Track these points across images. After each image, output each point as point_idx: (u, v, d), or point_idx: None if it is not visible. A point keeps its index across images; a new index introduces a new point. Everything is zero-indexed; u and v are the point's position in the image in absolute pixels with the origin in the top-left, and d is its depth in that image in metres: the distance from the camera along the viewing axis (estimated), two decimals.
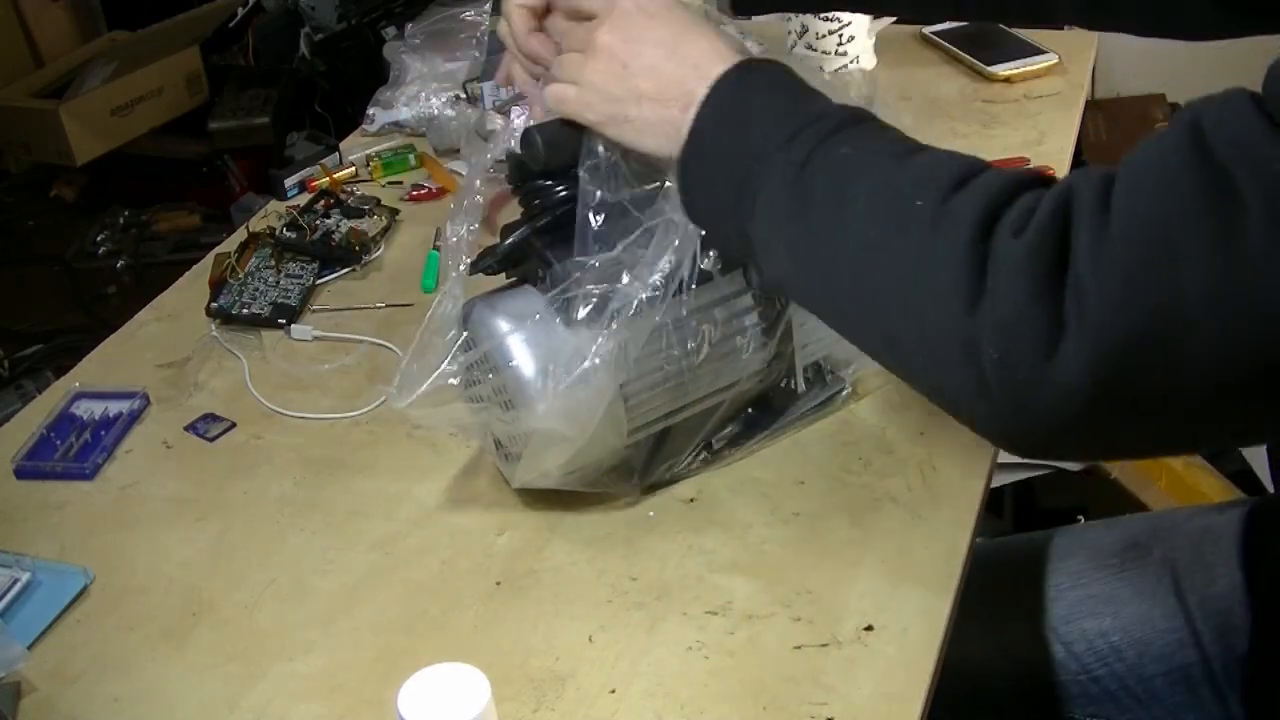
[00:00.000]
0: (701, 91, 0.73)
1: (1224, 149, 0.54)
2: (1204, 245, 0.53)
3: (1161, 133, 0.57)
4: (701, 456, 0.90)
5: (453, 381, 0.81)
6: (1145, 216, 0.55)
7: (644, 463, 0.88)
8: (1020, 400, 0.58)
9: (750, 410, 0.91)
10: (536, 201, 0.81)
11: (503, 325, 0.80)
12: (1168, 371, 0.55)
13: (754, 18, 1.32)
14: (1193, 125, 0.55)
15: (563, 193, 0.80)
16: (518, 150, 0.81)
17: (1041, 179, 0.63)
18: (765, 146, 0.69)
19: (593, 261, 0.78)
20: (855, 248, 0.65)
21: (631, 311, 0.77)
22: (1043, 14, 0.95)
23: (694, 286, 0.79)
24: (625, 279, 0.77)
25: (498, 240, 0.85)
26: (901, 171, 0.65)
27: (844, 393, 0.95)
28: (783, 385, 0.92)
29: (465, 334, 0.83)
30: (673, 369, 0.81)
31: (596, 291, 0.77)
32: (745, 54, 0.75)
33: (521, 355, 0.79)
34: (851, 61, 1.51)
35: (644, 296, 0.76)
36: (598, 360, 0.76)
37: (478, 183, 0.83)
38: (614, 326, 0.77)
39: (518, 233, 0.81)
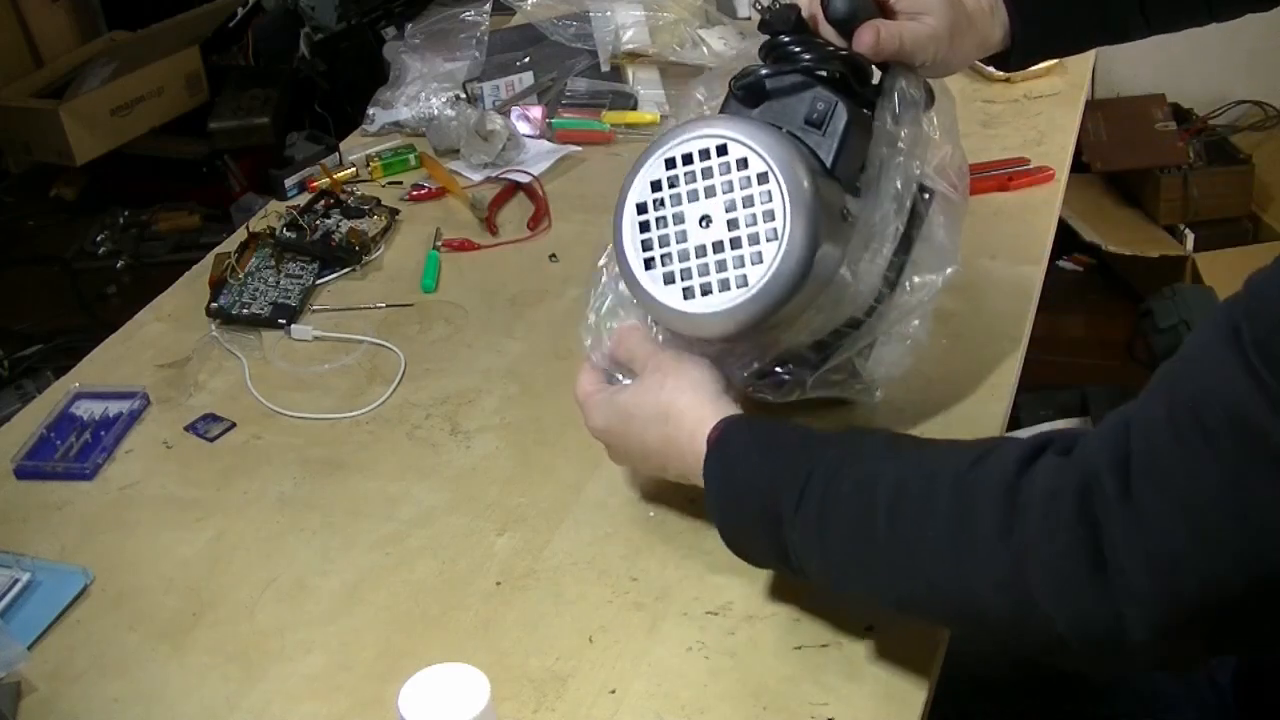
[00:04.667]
0: (698, 466, 0.78)
1: (1225, 432, 0.55)
2: (1236, 531, 0.56)
3: (1160, 398, 0.59)
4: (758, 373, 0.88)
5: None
6: (1171, 503, 0.57)
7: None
8: (1109, 661, 0.64)
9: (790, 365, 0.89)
10: (794, 51, 0.82)
11: (782, 148, 0.78)
12: (1228, 624, 0.59)
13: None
14: (1191, 405, 0.57)
15: (805, 59, 0.82)
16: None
17: (1049, 441, 0.64)
18: (780, 514, 0.73)
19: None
20: (895, 570, 0.69)
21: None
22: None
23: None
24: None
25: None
26: (912, 483, 0.68)
27: (877, 395, 0.95)
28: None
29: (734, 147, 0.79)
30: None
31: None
32: (717, 405, 0.79)
33: (798, 171, 0.77)
34: None
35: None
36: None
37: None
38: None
39: (785, 67, 0.82)
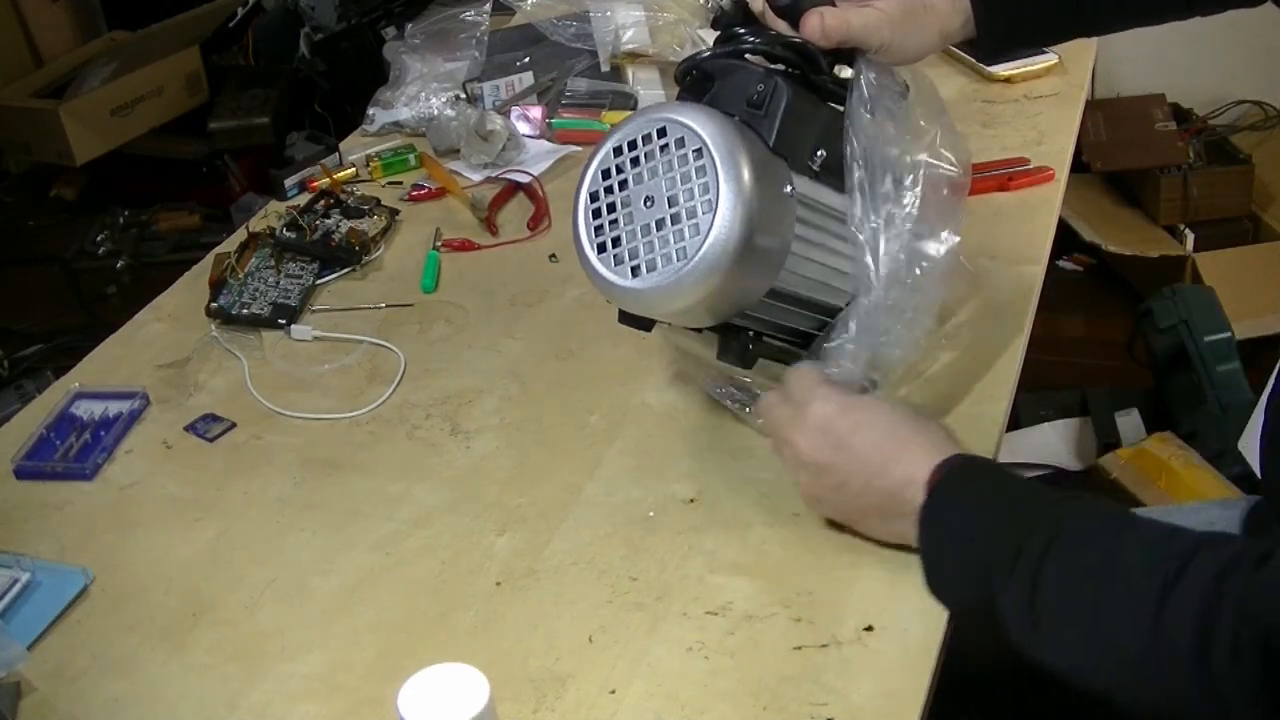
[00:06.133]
0: (918, 504, 0.79)
1: None
2: None
3: None
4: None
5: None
6: None
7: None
8: None
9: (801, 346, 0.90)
10: (745, 40, 0.84)
11: (716, 124, 0.80)
12: None
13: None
14: None
15: (751, 43, 0.85)
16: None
17: (1234, 560, 0.66)
18: (992, 571, 0.74)
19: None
20: (1096, 659, 0.72)
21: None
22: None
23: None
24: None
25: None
26: (1110, 597, 0.70)
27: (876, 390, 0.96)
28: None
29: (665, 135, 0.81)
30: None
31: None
32: (940, 444, 0.81)
33: (731, 142, 0.79)
34: None
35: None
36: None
37: None
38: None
39: (720, 49, 0.84)
